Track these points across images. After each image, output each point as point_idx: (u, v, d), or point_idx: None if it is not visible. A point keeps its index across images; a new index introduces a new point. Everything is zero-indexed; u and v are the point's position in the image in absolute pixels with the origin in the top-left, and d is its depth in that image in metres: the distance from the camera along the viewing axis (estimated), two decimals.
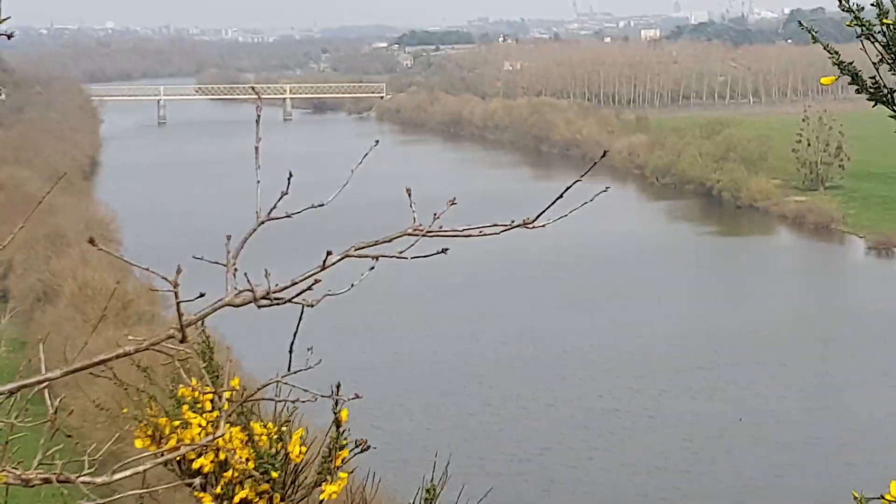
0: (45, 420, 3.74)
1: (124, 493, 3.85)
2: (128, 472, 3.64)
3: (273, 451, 4.34)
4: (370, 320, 70.74)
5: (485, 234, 3.58)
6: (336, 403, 4.25)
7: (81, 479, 3.64)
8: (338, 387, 4.22)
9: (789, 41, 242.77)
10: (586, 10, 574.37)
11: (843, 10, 4.02)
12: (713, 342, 69.65)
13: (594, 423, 57.12)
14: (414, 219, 3.62)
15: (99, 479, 3.65)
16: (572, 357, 67.07)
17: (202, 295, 3.49)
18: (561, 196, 3.51)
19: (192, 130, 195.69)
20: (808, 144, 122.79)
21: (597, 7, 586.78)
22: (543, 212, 3.53)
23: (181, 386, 4.30)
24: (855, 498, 4.10)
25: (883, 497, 3.93)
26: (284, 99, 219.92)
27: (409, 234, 3.58)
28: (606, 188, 3.80)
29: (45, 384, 3.60)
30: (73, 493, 3.78)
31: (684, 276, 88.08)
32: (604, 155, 3.65)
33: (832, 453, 52.94)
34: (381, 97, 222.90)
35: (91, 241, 3.23)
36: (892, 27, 3.88)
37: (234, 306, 3.49)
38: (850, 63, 3.96)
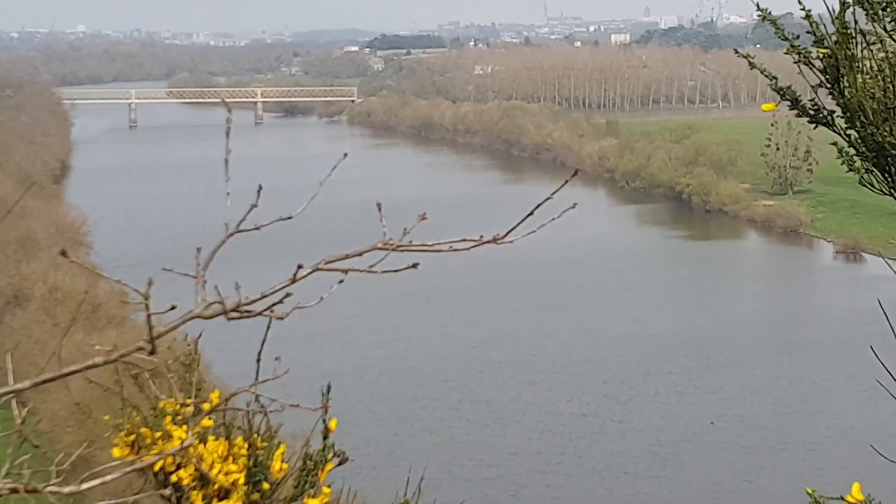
0: (13, 431, 3.73)
1: (94, 502, 3.85)
2: (96, 482, 3.63)
3: (267, 462, 4.34)
4: (339, 325, 70.65)
5: (455, 250, 3.60)
6: (326, 411, 4.25)
7: (49, 488, 3.63)
8: (328, 389, 4.24)
9: (758, 46, 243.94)
10: (557, 14, 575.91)
11: (779, 38, 4.08)
12: (682, 346, 69.92)
13: (563, 427, 57.20)
14: (384, 233, 3.63)
15: (67, 489, 3.64)
16: (541, 361, 67.18)
17: (173, 307, 3.50)
18: (531, 213, 3.53)
19: (163, 134, 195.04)
20: (777, 149, 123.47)
21: (567, 12, 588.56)
22: (513, 229, 3.55)
23: (162, 398, 4.29)
24: (809, 494, 4.14)
25: (842, 498, 3.97)
26: (256, 103, 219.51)
27: (380, 248, 3.59)
28: (574, 204, 3.82)
29: (13, 395, 3.59)
30: (41, 503, 3.77)
31: (653, 280, 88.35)
32: (574, 174, 3.68)
33: (801, 457, 53.22)
34: (353, 101, 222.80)
35: (63, 254, 3.23)
36: (826, 55, 3.95)
37: (203, 318, 3.49)
38: (789, 87, 4.03)
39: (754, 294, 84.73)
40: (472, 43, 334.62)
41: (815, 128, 4.16)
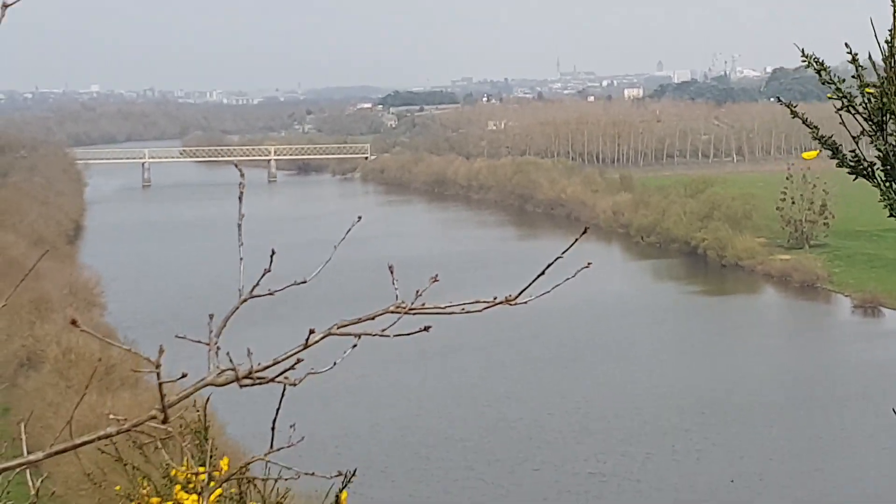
0: (28, 503, 3.73)
1: None
2: None
3: None
4: (353, 385, 70.45)
5: (467, 312, 3.60)
6: (346, 480, 4.23)
7: None
8: (353, 473, 4.22)
9: (772, 99, 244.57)
10: (569, 69, 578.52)
11: (822, 83, 4.06)
12: (699, 402, 69.52)
13: (579, 487, 56.80)
14: (396, 296, 3.64)
15: None
16: (557, 419, 66.83)
17: (184, 375, 3.50)
18: (542, 273, 3.54)
19: (176, 193, 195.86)
20: (793, 202, 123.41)
21: (580, 67, 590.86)
22: (524, 289, 3.56)
23: (174, 465, 4.29)
24: None
25: None
26: (269, 160, 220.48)
27: (392, 312, 3.59)
28: (588, 264, 3.82)
29: (26, 466, 3.59)
30: None
31: (670, 335, 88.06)
32: (584, 232, 3.68)
33: None
34: (366, 158, 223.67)
35: (73, 323, 3.24)
36: (874, 97, 3.92)
37: (216, 386, 3.50)
38: (830, 137, 4.01)
39: (772, 349, 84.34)
40: (484, 98, 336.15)
41: (854, 179, 4.12)
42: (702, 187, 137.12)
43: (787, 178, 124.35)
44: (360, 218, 4.15)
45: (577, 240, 3.73)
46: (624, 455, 60.88)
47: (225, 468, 4.18)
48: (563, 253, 3.64)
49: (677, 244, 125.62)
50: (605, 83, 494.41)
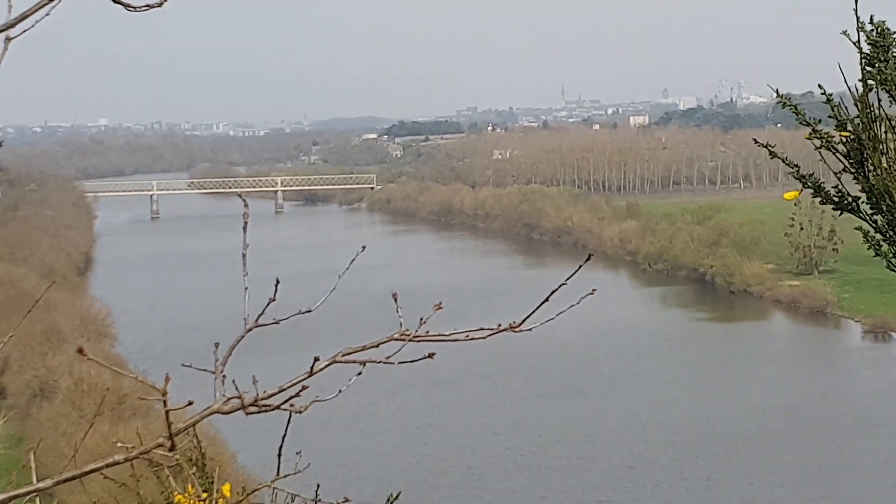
0: None
1: None
2: None
3: None
4: (358, 413, 70.36)
5: (472, 339, 3.63)
6: None
7: None
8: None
9: (779, 125, 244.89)
10: (574, 97, 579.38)
11: (800, 122, 4.09)
12: (709, 430, 69.32)
13: None
14: (401, 323, 3.67)
15: None
16: (564, 447, 66.66)
17: (190, 403, 3.53)
18: (546, 300, 3.57)
19: (184, 224, 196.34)
20: (801, 228, 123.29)
21: (585, 95, 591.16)
22: (529, 315, 3.59)
23: (178, 492, 4.31)
24: None
25: None
26: (276, 191, 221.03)
27: (396, 339, 3.63)
28: (593, 291, 3.85)
29: (36, 493, 3.62)
30: None
31: (678, 362, 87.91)
32: (588, 259, 3.71)
33: None
34: (372, 188, 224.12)
35: (80, 352, 3.28)
36: (850, 138, 3.97)
37: (222, 413, 3.53)
38: (811, 175, 4.04)
39: (781, 376, 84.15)
40: (490, 127, 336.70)
41: (840, 214, 4.16)
42: (709, 214, 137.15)
43: (795, 204, 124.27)
44: (363, 248, 4.19)
45: (581, 266, 3.76)
46: (633, 483, 60.70)
47: (227, 494, 4.21)
48: (568, 279, 3.67)
49: (685, 271, 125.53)
50: (610, 111, 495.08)
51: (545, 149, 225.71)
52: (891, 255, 4.02)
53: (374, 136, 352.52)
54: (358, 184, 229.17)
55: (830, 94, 4.07)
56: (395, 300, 3.69)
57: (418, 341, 3.64)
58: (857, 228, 4.04)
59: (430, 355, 3.56)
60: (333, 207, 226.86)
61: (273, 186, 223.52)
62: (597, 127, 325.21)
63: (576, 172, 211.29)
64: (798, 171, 4.04)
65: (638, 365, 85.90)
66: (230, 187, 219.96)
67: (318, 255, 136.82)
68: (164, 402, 3.37)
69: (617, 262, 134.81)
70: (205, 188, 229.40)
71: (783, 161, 4.07)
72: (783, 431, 68.96)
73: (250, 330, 3.61)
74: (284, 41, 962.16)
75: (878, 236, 4.03)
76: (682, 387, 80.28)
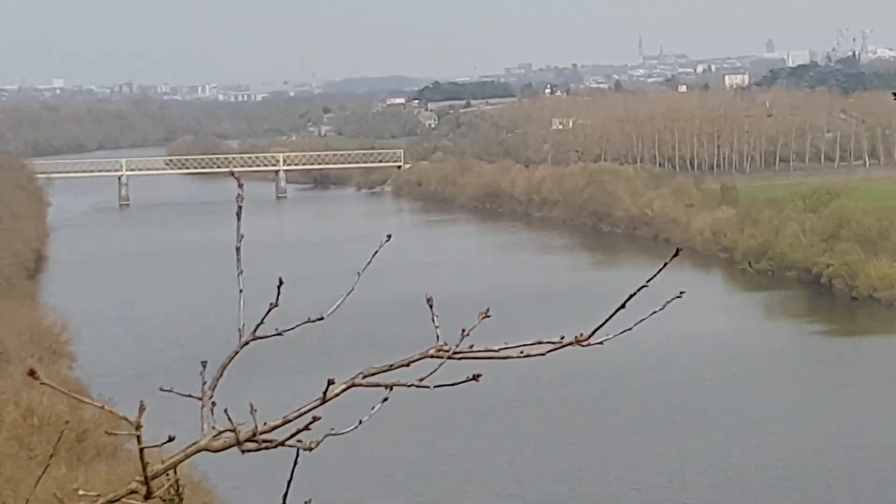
0: None
1: None
2: None
3: None
4: (382, 454, 70.37)
5: (527, 356, 3.61)
6: None
7: None
8: None
9: None
10: (655, 52, 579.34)
11: None
12: (824, 474, 69.04)
13: None
14: (437, 336, 3.65)
15: None
16: (642, 497, 66.55)
17: (171, 439, 3.53)
18: (623, 306, 3.55)
19: (161, 214, 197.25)
20: None
21: (668, 48, 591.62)
22: (601, 326, 3.57)
23: None
24: None
25: None
26: (277, 172, 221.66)
27: (432, 356, 3.61)
28: (681, 293, 3.82)
29: None
30: None
31: (786, 388, 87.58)
32: (675, 254, 3.68)
33: None
34: (399, 167, 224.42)
35: (31, 374, 3.28)
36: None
37: (211, 451, 3.52)
38: None
39: None
40: (548, 90, 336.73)
41: None
42: (825, 199, 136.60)
43: None
44: (389, 237, 4.17)
45: (666, 264, 3.74)
46: None
47: None
48: (649, 281, 3.64)
49: (794, 272, 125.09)
50: (700, 69, 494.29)
51: (618, 117, 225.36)
52: None
53: (402, 101, 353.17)
54: (381, 162, 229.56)
55: None
56: (431, 307, 3.67)
57: (459, 359, 3.62)
58: None
59: (476, 377, 3.54)
60: (350, 192, 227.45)
61: (274, 165, 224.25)
62: (683, 89, 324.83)
63: (656, 147, 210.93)
64: None
65: (735, 391, 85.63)
66: (219, 166, 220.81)
67: (331, 251, 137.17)
68: (138, 439, 3.36)
69: (709, 261, 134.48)
70: (187, 167, 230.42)
71: None
72: None
73: (246, 344, 3.60)
74: None
75: None
76: (793, 420, 79.98)
